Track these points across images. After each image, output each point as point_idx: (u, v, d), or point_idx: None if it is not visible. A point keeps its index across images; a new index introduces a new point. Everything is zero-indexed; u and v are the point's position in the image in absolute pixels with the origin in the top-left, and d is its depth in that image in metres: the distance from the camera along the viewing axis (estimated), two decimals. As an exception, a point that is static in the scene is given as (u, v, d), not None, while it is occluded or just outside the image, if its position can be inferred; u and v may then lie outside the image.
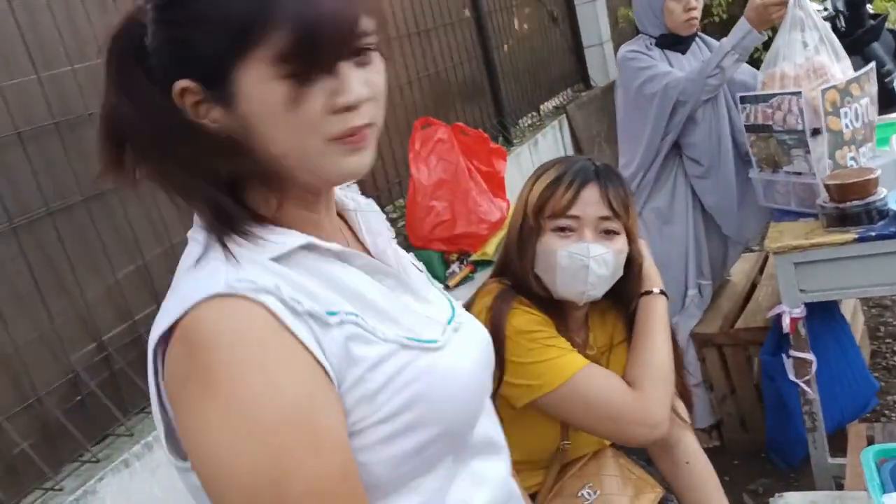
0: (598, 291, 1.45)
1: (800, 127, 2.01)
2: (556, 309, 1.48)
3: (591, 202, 1.42)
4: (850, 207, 1.95)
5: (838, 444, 2.32)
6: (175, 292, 0.76)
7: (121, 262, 1.99)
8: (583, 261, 1.40)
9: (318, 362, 0.73)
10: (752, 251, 3.29)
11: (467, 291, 1.54)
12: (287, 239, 0.78)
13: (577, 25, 6.02)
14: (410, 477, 0.80)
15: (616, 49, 6.62)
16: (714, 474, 1.55)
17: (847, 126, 2.04)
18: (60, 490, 1.70)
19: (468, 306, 1.50)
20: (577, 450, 1.52)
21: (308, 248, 0.79)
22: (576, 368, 1.38)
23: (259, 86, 0.72)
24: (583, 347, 1.52)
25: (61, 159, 1.87)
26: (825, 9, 3.58)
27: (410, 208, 3.04)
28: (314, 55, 0.71)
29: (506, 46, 4.78)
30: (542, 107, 5.20)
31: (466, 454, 0.88)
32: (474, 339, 0.92)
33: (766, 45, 2.39)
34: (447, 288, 2.82)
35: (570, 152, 5.13)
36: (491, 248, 2.96)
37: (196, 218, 0.82)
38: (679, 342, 2.68)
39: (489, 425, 0.94)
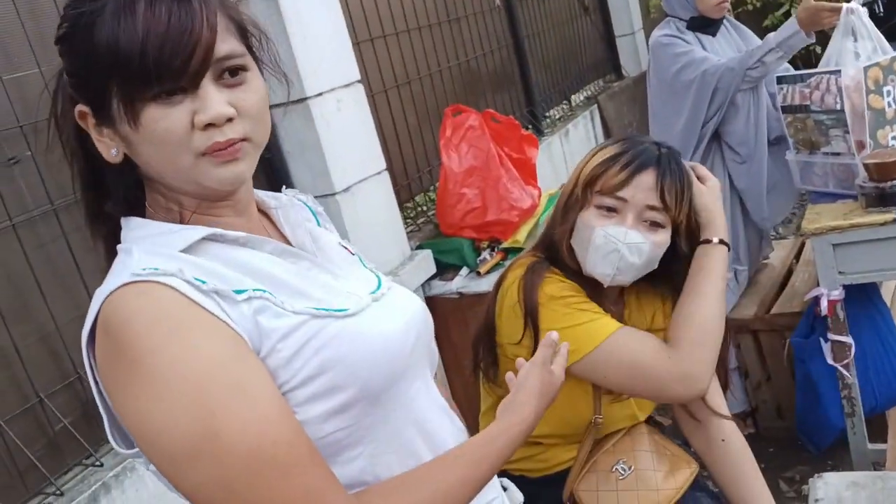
0: (626, 278, 1.42)
1: (838, 107, 1.98)
2: (587, 283, 1.46)
3: (643, 188, 1.38)
4: (890, 187, 1.91)
5: (874, 429, 2.28)
6: (98, 291, 0.81)
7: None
8: (616, 244, 1.37)
9: (233, 328, 0.78)
10: (780, 237, 3.25)
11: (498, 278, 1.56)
12: (192, 232, 0.84)
13: (609, 14, 5.97)
14: (341, 439, 0.85)
15: (647, 38, 6.58)
16: (749, 452, 1.52)
17: (890, 105, 2.00)
18: (100, 466, 1.74)
19: (501, 278, 1.51)
20: (610, 425, 1.50)
21: (214, 237, 0.85)
22: (610, 330, 1.37)
23: (127, 108, 0.79)
24: (617, 316, 1.49)
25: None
26: (862, -6, 3.52)
27: (441, 196, 3.05)
28: (146, 80, 0.77)
29: (536, 35, 4.76)
30: (573, 97, 5.17)
31: (401, 411, 0.91)
32: (400, 307, 0.96)
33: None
34: (478, 275, 2.82)
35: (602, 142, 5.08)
36: (522, 236, 2.95)
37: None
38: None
39: (430, 409, 0.96)
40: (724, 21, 2.76)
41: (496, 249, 2.92)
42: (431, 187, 3.52)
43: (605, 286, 1.44)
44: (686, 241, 1.45)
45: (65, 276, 1.81)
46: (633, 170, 1.38)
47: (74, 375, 1.79)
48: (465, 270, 2.88)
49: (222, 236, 0.86)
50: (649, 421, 1.58)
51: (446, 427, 0.99)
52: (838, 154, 2.06)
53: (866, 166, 1.95)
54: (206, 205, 0.88)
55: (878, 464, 2.24)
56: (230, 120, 0.80)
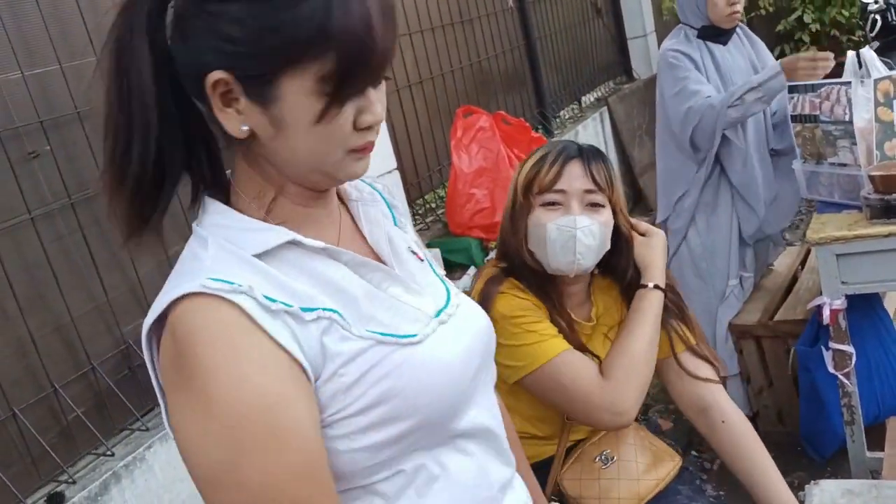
0: (588, 262, 1.50)
1: (847, 118, 2.00)
2: (552, 284, 1.54)
3: (575, 176, 1.49)
4: (894, 199, 1.93)
5: (875, 437, 2.30)
6: (169, 282, 0.80)
7: (172, 240, 2.05)
8: (571, 232, 1.46)
9: (293, 358, 0.76)
10: (787, 243, 3.26)
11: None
12: (271, 236, 0.81)
13: (621, 16, 5.98)
14: (390, 461, 0.83)
15: (660, 41, 6.57)
16: (752, 430, 1.57)
17: (898, 117, 2.02)
18: (111, 456, 1.77)
19: (471, 288, 1.58)
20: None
21: (292, 243, 0.82)
22: (553, 353, 1.45)
23: (301, 96, 0.75)
24: (585, 320, 1.58)
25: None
26: (875, 1, 3.52)
27: (451, 195, 3.08)
28: (358, 81, 0.76)
29: (548, 37, 4.77)
30: (583, 98, 5.19)
31: (451, 442, 0.89)
32: (465, 329, 0.93)
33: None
34: (485, 274, 2.84)
35: (611, 144, 5.11)
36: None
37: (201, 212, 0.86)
38: (717, 331, 2.70)
39: (484, 415, 0.94)
40: (737, 30, 2.77)
41: (503, 250, 2.95)
42: (441, 186, 3.56)
43: (572, 276, 1.52)
44: (624, 221, 1.56)
45: (81, 269, 1.85)
46: (561, 163, 1.50)
47: (88, 366, 1.83)
48: (472, 270, 2.92)
49: (301, 244, 0.83)
50: (637, 419, 1.64)
51: (496, 457, 0.96)
52: (845, 165, 2.08)
53: (872, 178, 1.97)
54: (306, 194, 0.86)
55: (875, 472, 2.26)
56: None
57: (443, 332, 0.89)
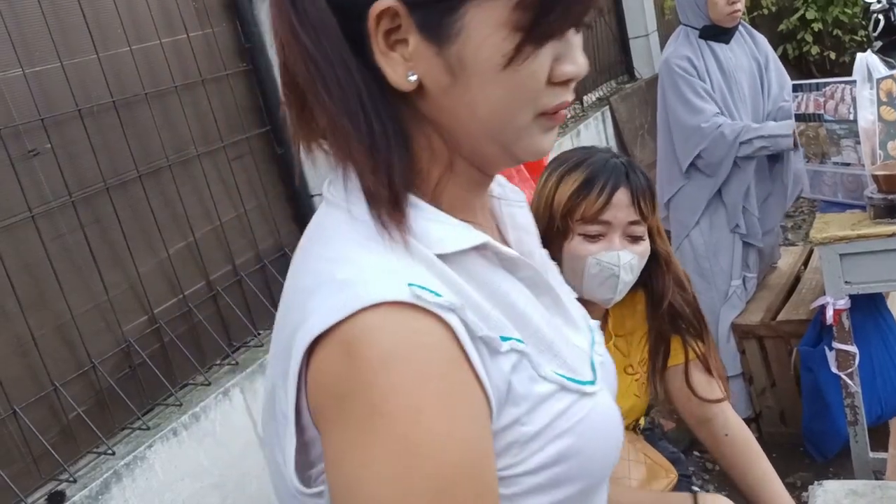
0: (624, 295, 1.44)
1: (851, 117, 1.99)
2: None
3: (622, 206, 1.39)
4: (898, 199, 1.93)
5: (878, 438, 2.30)
6: (328, 279, 0.60)
7: (172, 239, 2.05)
8: (613, 270, 1.38)
9: (490, 400, 0.61)
10: (790, 243, 3.26)
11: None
12: (462, 234, 0.64)
13: (623, 15, 5.97)
14: None
15: (662, 40, 6.55)
16: (755, 442, 1.56)
17: (900, 116, 2.01)
18: (112, 455, 1.77)
19: None
20: None
21: (485, 247, 0.65)
22: None
23: (490, 30, 0.60)
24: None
25: (119, 136, 1.94)
26: (878, 1, 3.51)
27: (452, 194, 3.06)
28: (562, 13, 0.60)
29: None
30: (585, 98, 5.18)
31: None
32: (612, 373, 0.79)
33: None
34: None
35: (613, 144, 5.10)
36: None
37: (333, 181, 0.67)
38: (720, 331, 2.70)
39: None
40: (739, 28, 2.77)
41: (505, 249, 2.93)
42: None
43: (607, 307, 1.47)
44: (661, 244, 1.48)
45: (81, 267, 1.84)
46: (609, 192, 1.38)
47: (89, 365, 1.82)
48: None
49: (485, 248, 0.65)
50: (633, 428, 1.62)
51: None
52: (848, 164, 2.08)
53: (875, 178, 1.96)
54: (475, 177, 0.69)
55: (878, 472, 2.25)
56: None
57: (603, 377, 0.74)
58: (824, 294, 2.13)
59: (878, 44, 3.45)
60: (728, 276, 2.74)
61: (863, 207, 2.08)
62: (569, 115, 4.89)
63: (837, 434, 2.37)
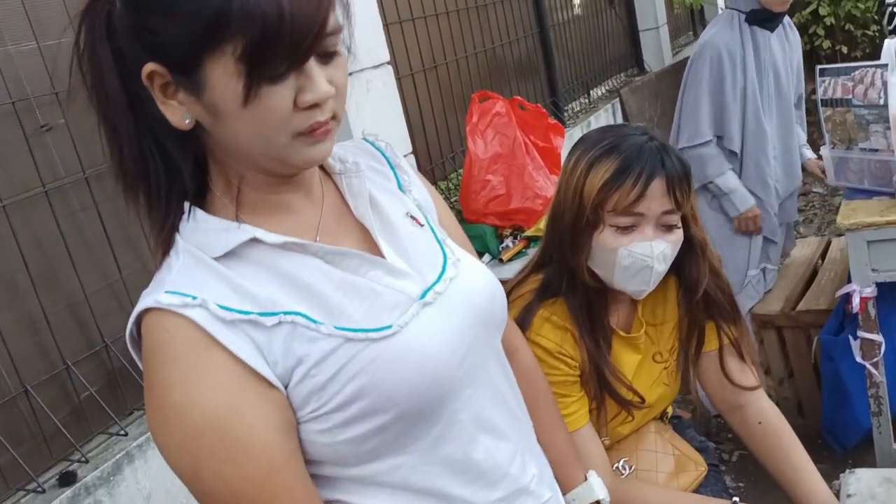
0: (657, 284, 1.37)
1: (881, 101, 1.95)
2: (601, 298, 1.41)
3: (656, 197, 1.29)
4: (928, 185, 1.89)
5: (902, 429, 2.26)
6: (145, 291, 0.80)
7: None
8: (646, 261, 1.31)
9: (250, 368, 0.77)
10: (800, 236, 3.24)
11: (521, 266, 1.54)
12: (231, 236, 0.81)
13: (634, 8, 5.94)
14: (381, 450, 0.83)
15: (672, 33, 6.51)
16: (789, 431, 1.51)
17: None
18: (125, 436, 1.73)
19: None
20: (614, 440, 1.48)
21: (255, 241, 0.81)
22: (572, 429, 1.34)
23: (225, 79, 0.73)
24: (625, 330, 1.45)
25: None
26: (894, -7, 3.48)
27: (466, 182, 3.03)
28: (272, 59, 0.72)
29: (562, 26, 4.73)
30: (592, 91, 5.14)
31: (449, 426, 0.86)
32: (455, 307, 0.88)
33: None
34: (500, 262, 2.80)
35: (623, 136, 5.06)
36: (545, 225, 2.94)
37: None
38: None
39: (483, 393, 0.90)
40: (784, 20, 2.72)
41: (519, 237, 2.90)
42: (454, 172, 3.51)
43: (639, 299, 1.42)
44: (696, 230, 1.40)
45: (94, 245, 1.80)
46: (644, 183, 1.29)
47: (101, 344, 1.79)
48: (487, 257, 2.87)
49: (261, 241, 0.82)
50: (660, 417, 1.56)
51: (504, 432, 0.93)
52: (876, 150, 2.04)
53: (905, 163, 1.92)
54: (270, 181, 0.83)
55: (902, 464, 2.22)
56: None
57: (426, 316, 0.85)
58: (845, 284, 2.09)
59: (894, 38, 3.41)
60: (745, 266, 2.71)
61: (890, 194, 2.04)
62: (577, 108, 4.86)
63: (857, 424, 2.34)
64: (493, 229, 2.98)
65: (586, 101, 4.99)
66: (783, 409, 2.66)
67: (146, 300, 0.78)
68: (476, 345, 0.89)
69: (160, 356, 0.76)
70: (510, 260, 2.79)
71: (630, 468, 1.45)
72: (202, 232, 0.81)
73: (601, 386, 1.38)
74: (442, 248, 0.94)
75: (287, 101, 0.74)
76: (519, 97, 3.22)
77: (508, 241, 2.88)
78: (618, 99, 5.08)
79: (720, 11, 8.81)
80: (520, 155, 3.02)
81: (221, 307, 0.77)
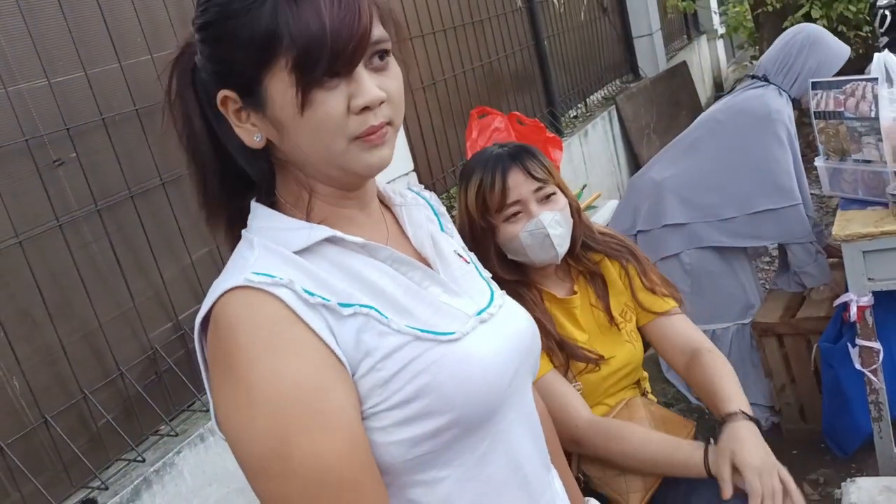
0: (566, 245, 1.61)
1: (872, 114, 1.99)
2: (530, 270, 1.66)
3: (519, 183, 1.56)
4: (920, 195, 1.93)
5: (902, 434, 2.30)
6: (216, 282, 0.83)
7: (195, 245, 2.06)
8: (542, 232, 1.56)
9: (331, 349, 0.79)
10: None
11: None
12: (311, 233, 0.85)
13: (627, 15, 5.99)
14: (429, 459, 0.85)
15: (665, 39, 6.55)
16: (724, 362, 1.58)
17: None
18: (142, 461, 1.77)
19: None
20: (592, 393, 1.64)
21: (332, 240, 0.86)
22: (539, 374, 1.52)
23: (282, 91, 0.79)
24: (568, 294, 1.69)
25: (141, 144, 1.94)
26: (887, -4, 3.52)
27: (467, 196, 3.06)
28: (320, 66, 0.78)
29: (556, 36, 4.77)
30: (590, 97, 5.19)
31: (490, 443, 0.90)
32: (506, 329, 0.94)
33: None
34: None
35: (620, 143, 5.11)
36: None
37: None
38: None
39: (522, 417, 0.95)
40: None
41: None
42: (455, 187, 3.55)
43: (557, 264, 1.65)
44: (567, 193, 1.64)
45: (107, 276, 1.84)
46: (501, 178, 1.56)
47: (116, 372, 1.82)
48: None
49: (341, 240, 0.86)
50: (644, 393, 1.74)
51: (535, 461, 0.97)
52: (869, 162, 2.08)
53: (897, 174, 1.97)
54: (337, 194, 0.89)
55: (903, 468, 2.25)
56: (381, 103, 0.82)
57: (483, 330, 0.91)
58: (846, 291, 2.12)
59: (885, 40, 3.45)
60: (742, 293, 2.83)
61: (884, 204, 2.08)
62: (573, 115, 4.90)
63: (858, 430, 2.37)
64: (495, 243, 3.02)
65: (583, 108, 5.03)
66: (786, 415, 2.73)
67: (230, 280, 0.80)
68: (520, 371, 0.94)
69: (243, 330, 0.77)
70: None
71: None
72: (277, 230, 0.86)
73: (547, 338, 1.57)
74: (489, 284, 1.02)
75: (340, 106, 0.80)
76: (517, 112, 3.26)
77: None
78: (614, 106, 5.13)
79: (714, 16, 8.77)
80: (519, 169, 3.06)
81: (305, 290, 0.80)
